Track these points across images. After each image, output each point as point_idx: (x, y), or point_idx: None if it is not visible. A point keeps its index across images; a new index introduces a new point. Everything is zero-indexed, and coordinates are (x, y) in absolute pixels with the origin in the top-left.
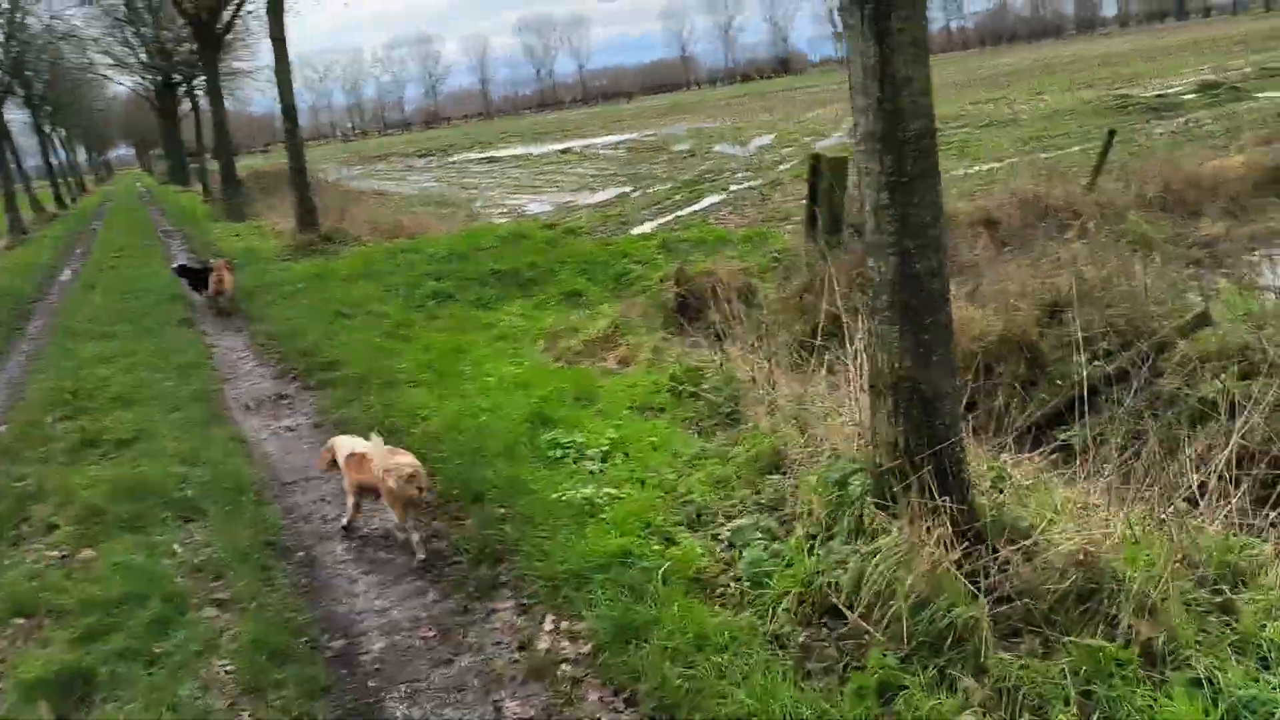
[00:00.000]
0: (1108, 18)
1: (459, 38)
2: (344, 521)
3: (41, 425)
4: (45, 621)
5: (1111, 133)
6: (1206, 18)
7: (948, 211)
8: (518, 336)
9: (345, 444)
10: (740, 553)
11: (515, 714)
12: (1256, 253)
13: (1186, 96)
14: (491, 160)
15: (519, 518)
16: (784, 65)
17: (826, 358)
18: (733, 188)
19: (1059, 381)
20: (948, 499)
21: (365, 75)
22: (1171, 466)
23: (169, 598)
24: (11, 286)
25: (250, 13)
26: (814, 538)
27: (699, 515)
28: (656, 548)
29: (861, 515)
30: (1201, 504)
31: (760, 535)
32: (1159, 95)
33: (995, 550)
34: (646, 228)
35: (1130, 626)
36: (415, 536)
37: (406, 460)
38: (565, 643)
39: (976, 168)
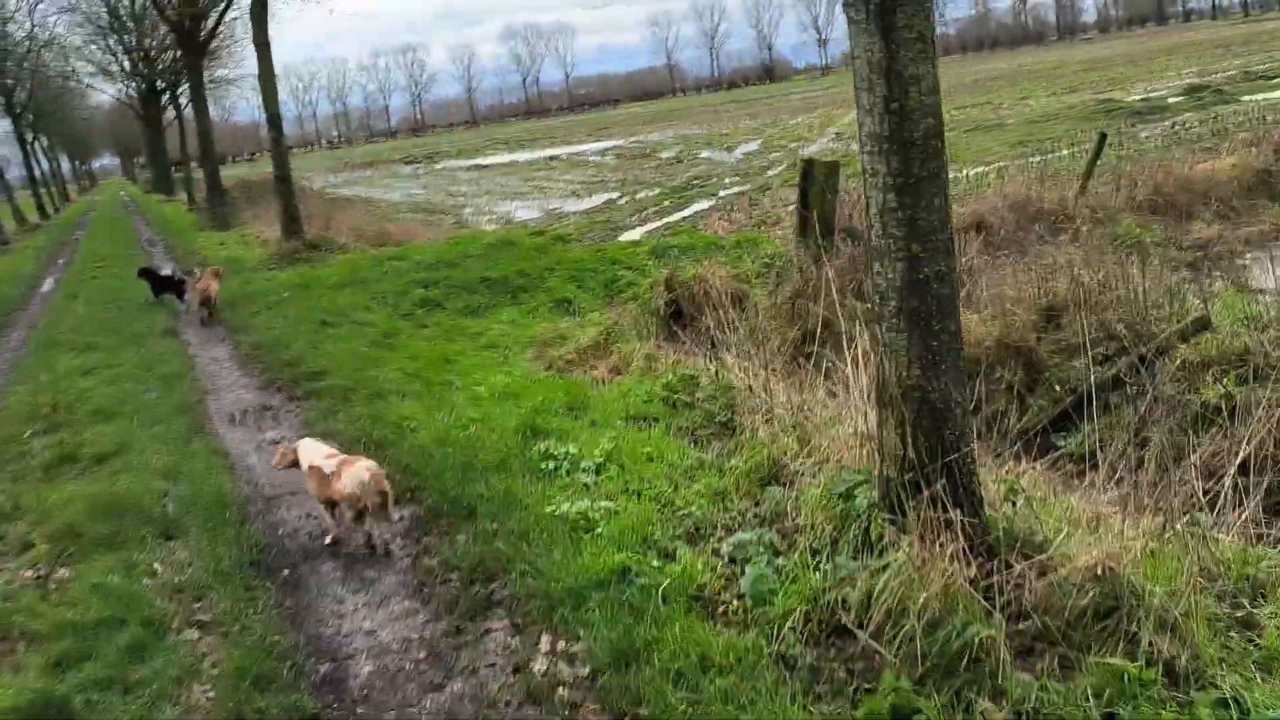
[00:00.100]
0: (1088, 24)
1: (445, 46)
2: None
3: (19, 440)
4: (18, 646)
5: (1103, 136)
6: (1186, 22)
7: None
8: (507, 345)
9: (309, 451)
10: (742, 569)
11: None
12: (1250, 255)
13: (1172, 100)
14: (479, 168)
15: (512, 533)
16: (768, 72)
17: (825, 365)
18: (721, 193)
19: (1057, 387)
20: (959, 512)
21: (351, 84)
22: (1176, 474)
23: (148, 621)
24: None
25: (235, 18)
26: (818, 552)
27: (697, 529)
28: (655, 564)
29: (868, 529)
30: (1214, 514)
31: (762, 550)
32: (1143, 99)
33: (1009, 565)
34: (636, 234)
35: (1151, 644)
36: (377, 533)
37: (363, 467)
38: (562, 665)
39: (965, 171)
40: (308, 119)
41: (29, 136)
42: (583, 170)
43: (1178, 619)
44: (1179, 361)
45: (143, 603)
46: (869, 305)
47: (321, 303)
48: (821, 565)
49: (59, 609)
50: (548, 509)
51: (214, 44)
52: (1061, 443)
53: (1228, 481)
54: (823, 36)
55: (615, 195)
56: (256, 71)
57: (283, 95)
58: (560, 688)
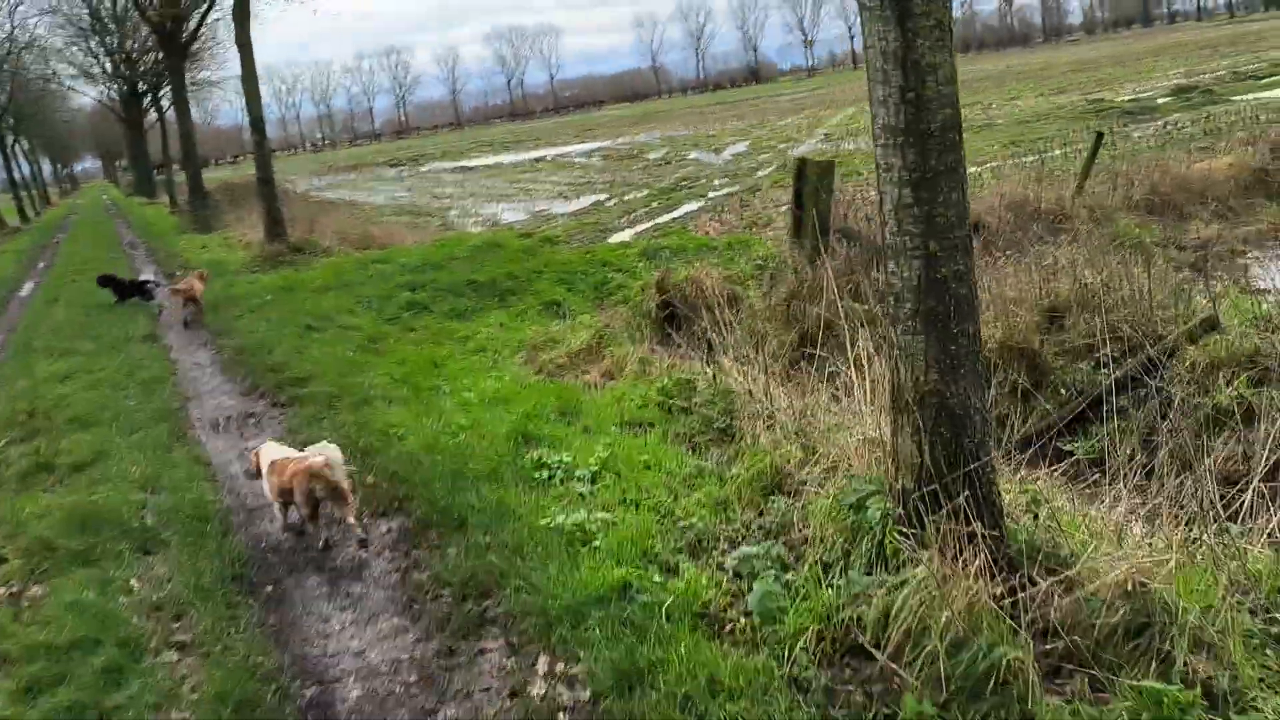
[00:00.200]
0: (1074, 25)
1: (429, 48)
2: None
3: None
4: None
5: (1099, 135)
6: (1172, 24)
7: None
8: (496, 349)
9: (270, 452)
10: (749, 584)
11: None
12: (1250, 254)
13: (1161, 100)
14: (464, 170)
15: (505, 546)
16: (754, 74)
17: (828, 369)
18: (710, 195)
19: (1062, 390)
20: (980, 524)
21: (334, 86)
22: (1192, 481)
23: (124, 642)
24: None
25: (217, 20)
26: (828, 567)
27: (700, 541)
28: (657, 579)
29: (882, 542)
30: (1238, 523)
31: (770, 564)
32: (1133, 99)
33: (1033, 581)
34: (625, 235)
35: (1186, 664)
36: (350, 520)
37: (314, 457)
38: (562, 688)
39: None
40: (291, 121)
41: (9, 139)
42: (569, 172)
43: (1213, 636)
44: (1188, 363)
45: (119, 622)
46: (868, 307)
47: (305, 306)
48: (833, 581)
49: (31, 629)
50: (542, 520)
51: (196, 46)
52: (1070, 447)
53: (1252, 489)
54: (808, 38)
55: (603, 197)
56: (239, 74)
57: (265, 97)
58: (560, 713)
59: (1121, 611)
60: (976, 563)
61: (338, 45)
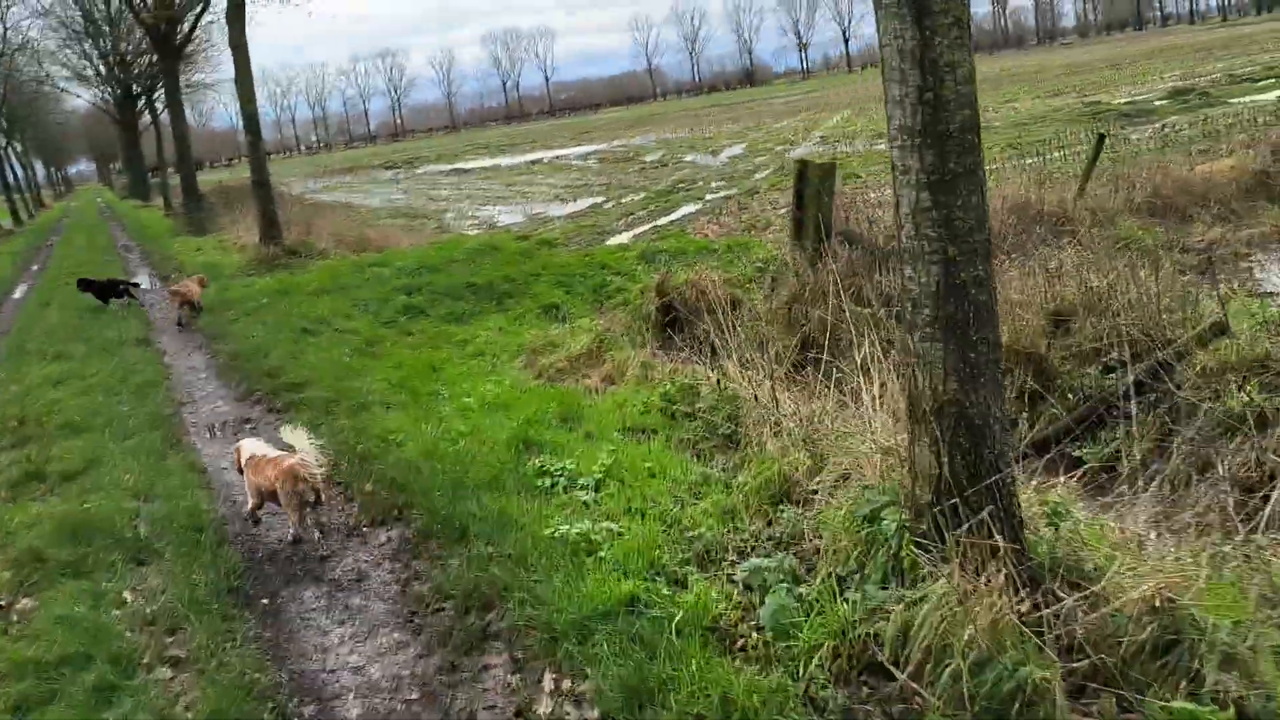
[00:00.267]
0: (1068, 28)
1: (425, 50)
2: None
3: None
4: None
5: (1101, 137)
6: (1165, 27)
7: None
8: (495, 353)
9: (249, 447)
10: (761, 598)
11: None
12: (1254, 257)
13: (1158, 102)
14: (460, 172)
15: (508, 557)
16: (749, 76)
17: (835, 375)
18: (708, 197)
19: (1070, 395)
20: (1001, 538)
21: (329, 88)
22: (1208, 488)
23: (116, 658)
24: None
25: (212, 22)
26: (843, 580)
27: (708, 552)
28: (666, 592)
29: (898, 555)
30: (1259, 532)
31: (782, 577)
32: (1129, 102)
33: (1057, 597)
34: (623, 238)
35: (1217, 683)
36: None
37: (290, 458)
38: (569, 707)
39: None
40: (286, 124)
41: (2, 142)
42: (566, 174)
43: (1245, 654)
44: (1198, 368)
45: (111, 636)
46: (871, 310)
47: (301, 309)
48: (848, 595)
49: (20, 644)
50: (546, 530)
51: (190, 48)
52: (1080, 453)
53: (1273, 500)
54: (803, 41)
55: (600, 199)
56: (233, 76)
57: (260, 100)
58: None
59: (1149, 628)
60: (999, 578)
61: (333, 48)
